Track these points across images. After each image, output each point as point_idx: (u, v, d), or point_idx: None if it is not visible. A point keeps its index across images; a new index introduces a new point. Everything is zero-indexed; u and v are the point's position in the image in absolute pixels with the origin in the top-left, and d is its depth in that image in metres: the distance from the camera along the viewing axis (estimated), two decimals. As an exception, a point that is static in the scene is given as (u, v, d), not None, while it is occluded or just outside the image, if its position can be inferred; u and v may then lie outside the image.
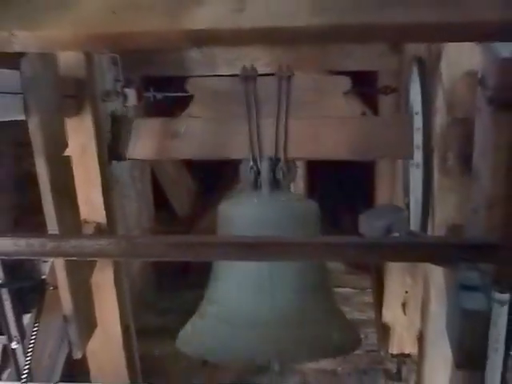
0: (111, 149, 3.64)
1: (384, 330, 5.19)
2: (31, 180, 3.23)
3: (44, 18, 1.64)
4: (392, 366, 5.11)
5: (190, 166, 6.18)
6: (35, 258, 2.39)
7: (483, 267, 2.23)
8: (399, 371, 5.07)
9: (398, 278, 4.90)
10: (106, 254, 2.29)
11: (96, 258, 2.92)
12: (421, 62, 3.50)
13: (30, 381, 2.38)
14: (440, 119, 3.27)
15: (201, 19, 1.54)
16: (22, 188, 4.02)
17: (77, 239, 2.20)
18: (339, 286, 6.01)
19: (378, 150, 3.77)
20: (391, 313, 5.06)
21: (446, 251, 2.22)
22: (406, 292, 4.84)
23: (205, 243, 2.17)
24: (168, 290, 5.84)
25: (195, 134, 3.72)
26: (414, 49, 3.83)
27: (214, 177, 6.23)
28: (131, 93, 3.89)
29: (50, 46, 1.69)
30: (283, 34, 1.53)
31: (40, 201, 2.87)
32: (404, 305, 4.86)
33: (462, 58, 2.99)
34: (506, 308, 2.12)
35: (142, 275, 5.56)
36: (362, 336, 5.51)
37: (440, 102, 3.26)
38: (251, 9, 1.53)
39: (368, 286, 5.94)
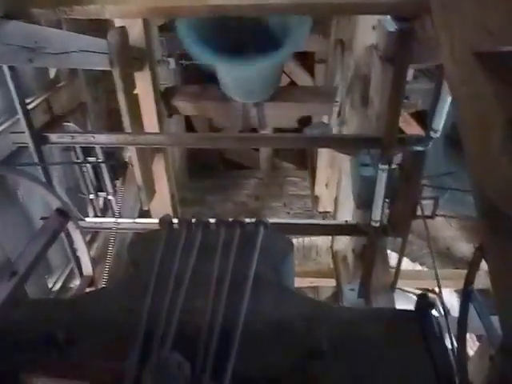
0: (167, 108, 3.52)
1: (315, 199, 5.25)
2: (115, 112, 3.15)
3: (121, -3, 1.55)
4: (320, 217, 5.18)
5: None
6: (120, 146, 2.34)
7: (373, 152, 2.25)
8: (324, 219, 5.18)
9: (323, 170, 4.92)
10: (161, 144, 2.26)
11: (156, 146, 2.83)
12: (342, 43, 3.41)
13: (120, 217, 2.37)
14: (351, 75, 3.20)
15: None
16: (111, 116, 3.92)
17: (144, 135, 2.18)
18: (293, 177, 6.05)
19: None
20: (319, 189, 5.10)
21: (353, 142, 2.23)
22: (328, 177, 4.87)
23: (218, 137, 2.16)
24: (196, 178, 5.83)
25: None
26: (337, 34, 3.69)
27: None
28: (172, 61, 3.76)
29: (126, 15, 1.60)
30: (267, 7, 1.47)
31: (120, 121, 2.80)
32: (327, 184, 4.91)
33: (364, 39, 2.89)
34: (385, 174, 2.15)
35: (181, 169, 5.51)
36: (303, 203, 5.61)
37: (351, 65, 3.18)
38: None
39: (307, 176, 5.96)
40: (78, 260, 2.06)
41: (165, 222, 1.61)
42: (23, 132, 2.12)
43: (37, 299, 1.52)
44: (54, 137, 2.13)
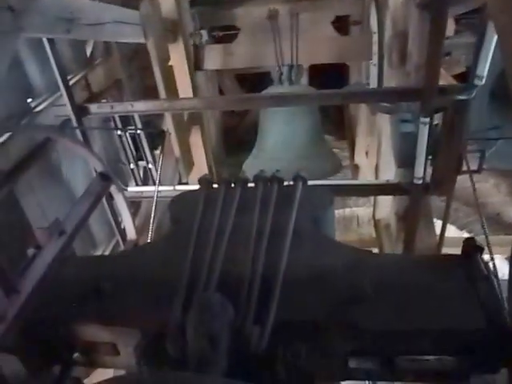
0: (196, 64, 3.53)
1: (355, 169, 5.17)
2: (150, 88, 3.20)
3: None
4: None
5: (239, 79, 5.94)
6: (157, 112, 2.36)
7: (413, 107, 2.17)
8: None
9: (363, 138, 4.83)
10: (196, 108, 2.27)
11: (191, 110, 2.84)
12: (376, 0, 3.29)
13: (160, 185, 2.42)
14: (388, 33, 3.10)
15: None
16: (146, 93, 3.98)
17: (180, 100, 2.20)
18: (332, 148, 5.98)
19: (352, 55, 3.64)
20: (359, 158, 5.02)
21: (392, 94, 2.16)
22: (368, 145, 4.76)
23: (252, 97, 2.14)
24: (232, 153, 5.84)
25: (241, 53, 3.59)
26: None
27: (251, 87, 5.97)
28: (204, 33, 3.79)
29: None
30: None
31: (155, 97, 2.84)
32: (367, 153, 4.80)
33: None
34: (427, 127, 2.08)
35: (217, 144, 5.52)
36: (343, 174, 5.50)
37: (388, 23, 3.07)
38: None
39: (346, 147, 5.87)
40: (119, 224, 2.12)
41: (204, 181, 1.64)
42: (65, 105, 2.20)
43: (84, 256, 1.59)
44: (94, 107, 2.20)
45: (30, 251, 1.30)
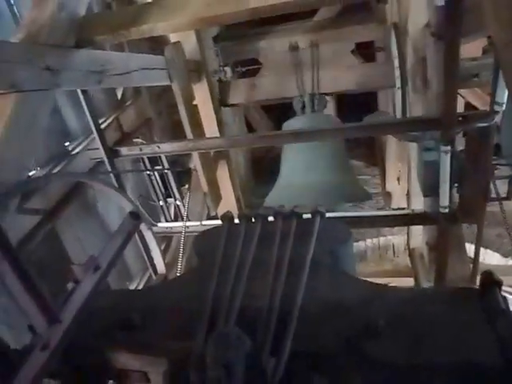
0: (221, 100, 3.72)
1: (387, 196, 5.16)
2: (178, 124, 3.40)
3: (171, 13, 1.74)
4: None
5: (267, 112, 6.12)
6: (182, 152, 2.50)
7: (435, 134, 2.23)
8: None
9: (393, 164, 4.84)
10: (221, 146, 2.39)
11: (216, 149, 2.99)
12: (396, 26, 3.40)
13: (188, 220, 2.55)
14: (409, 59, 3.19)
15: (254, 2, 1.60)
16: (175, 129, 4.19)
17: (204, 140, 2.35)
18: (361, 175, 5.98)
19: (374, 83, 3.73)
20: (391, 185, 5.00)
21: (411, 125, 2.24)
22: (399, 171, 4.78)
23: (273, 135, 2.27)
24: (262, 183, 5.93)
25: (265, 86, 3.76)
26: (392, 18, 3.67)
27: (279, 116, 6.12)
28: (228, 69, 3.98)
29: (177, 29, 1.79)
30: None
31: (182, 131, 3.03)
32: (398, 179, 4.81)
33: (419, 18, 2.87)
34: (449, 156, 2.14)
35: (246, 174, 5.66)
36: (375, 201, 5.51)
37: (409, 49, 3.16)
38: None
39: (377, 173, 5.88)
40: (152, 259, 2.27)
41: (226, 217, 1.78)
42: (98, 148, 2.42)
43: (117, 290, 1.73)
44: (124, 150, 2.40)
45: (70, 285, 1.46)
